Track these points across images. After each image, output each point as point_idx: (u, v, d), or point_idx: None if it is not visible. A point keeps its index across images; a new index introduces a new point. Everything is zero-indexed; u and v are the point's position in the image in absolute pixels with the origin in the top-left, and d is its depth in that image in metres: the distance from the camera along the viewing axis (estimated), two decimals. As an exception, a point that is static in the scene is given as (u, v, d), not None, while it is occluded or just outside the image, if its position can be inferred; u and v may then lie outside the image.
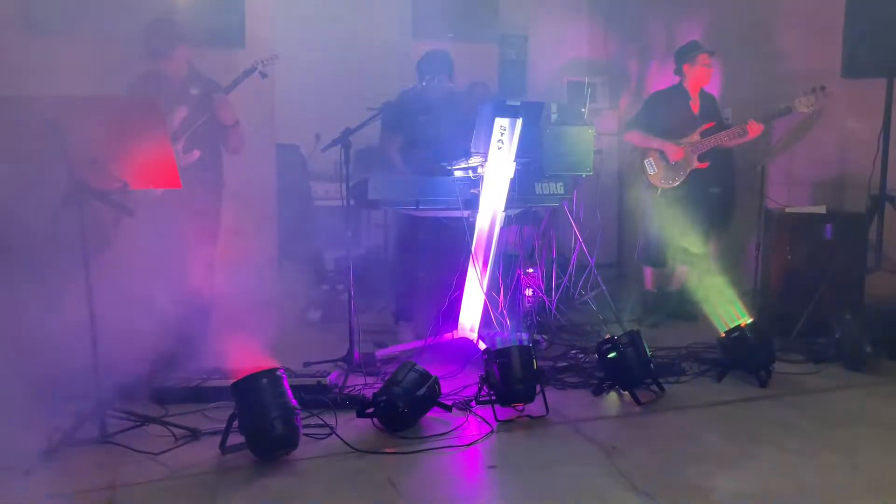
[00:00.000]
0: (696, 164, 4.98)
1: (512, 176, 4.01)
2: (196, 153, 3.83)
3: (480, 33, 6.81)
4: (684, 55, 5.09)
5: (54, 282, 4.16)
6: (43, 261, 4.05)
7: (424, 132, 4.58)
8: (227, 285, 4.44)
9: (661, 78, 6.05)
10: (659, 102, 5.24)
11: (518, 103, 3.91)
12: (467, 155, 4.00)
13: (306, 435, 3.09)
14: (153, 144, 3.13)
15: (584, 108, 5.94)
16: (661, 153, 5.04)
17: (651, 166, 5.09)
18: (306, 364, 4.05)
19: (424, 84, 4.49)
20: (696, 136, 4.98)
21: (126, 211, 3.13)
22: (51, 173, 3.04)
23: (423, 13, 6.54)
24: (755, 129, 4.79)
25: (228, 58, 4.30)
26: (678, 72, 5.12)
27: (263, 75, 3.97)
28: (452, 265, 4.31)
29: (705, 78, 5.07)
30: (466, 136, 4.36)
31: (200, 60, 4.18)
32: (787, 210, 4.96)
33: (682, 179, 5.02)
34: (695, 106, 5.10)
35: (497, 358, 3.41)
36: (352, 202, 4.15)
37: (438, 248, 4.64)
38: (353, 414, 3.31)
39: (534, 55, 7.10)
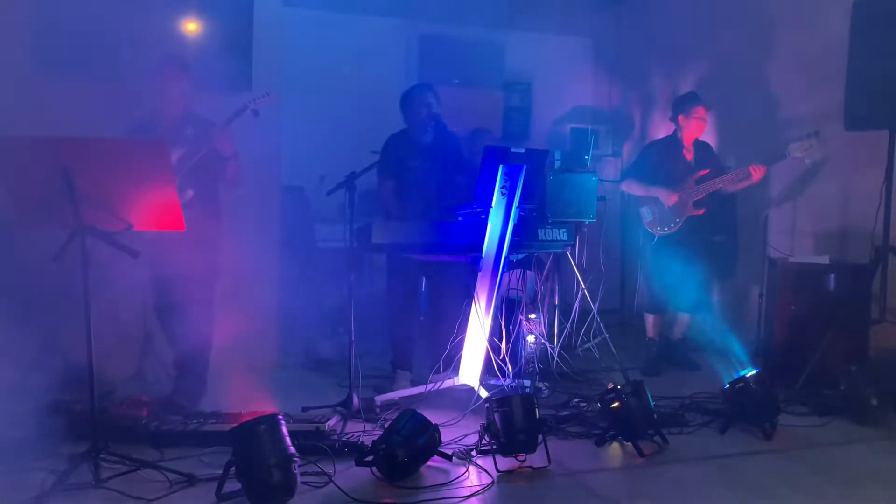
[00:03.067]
0: (691, 211, 4.99)
1: (515, 222, 4.02)
2: (189, 192, 3.83)
3: (485, 79, 6.90)
4: (680, 106, 5.16)
5: (54, 320, 4.15)
6: (44, 299, 4.05)
7: (415, 178, 4.58)
8: (227, 325, 4.42)
9: (664, 126, 6.11)
10: (653, 152, 5.30)
11: (523, 151, 3.94)
12: (471, 200, 4.01)
13: (304, 483, 3.03)
14: (159, 186, 3.14)
15: (588, 155, 5.98)
16: (657, 200, 5.07)
17: (647, 214, 5.11)
18: (305, 409, 4.00)
19: (433, 124, 4.51)
20: (691, 183, 5.01)
21: (131, 252, 3.11)
22: (56, 213, 3.04)
23: (430, 58, 6.63)
24: (759, 172, 4.80)
25: (234, 101, 4.33)
26: (674, 120, 5.18)
27: (255, 113, 3.98)
28: (453, 310, 4.30)
29: (699, 131, 5.12)
30: (463, 181, 4.38)
31: (206, 103, 4.21)
32: (791, 260, 4.96)
33: (678, 226, 5.03)
34: (689, 154, 5.14)
35: (499, 406, 3.37)
36: (355, 245, 4.14)
37: (439, 292, 4.64)
38: (352, 462, 3.26)
39: (538, 102, 7.18)
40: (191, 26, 4.70)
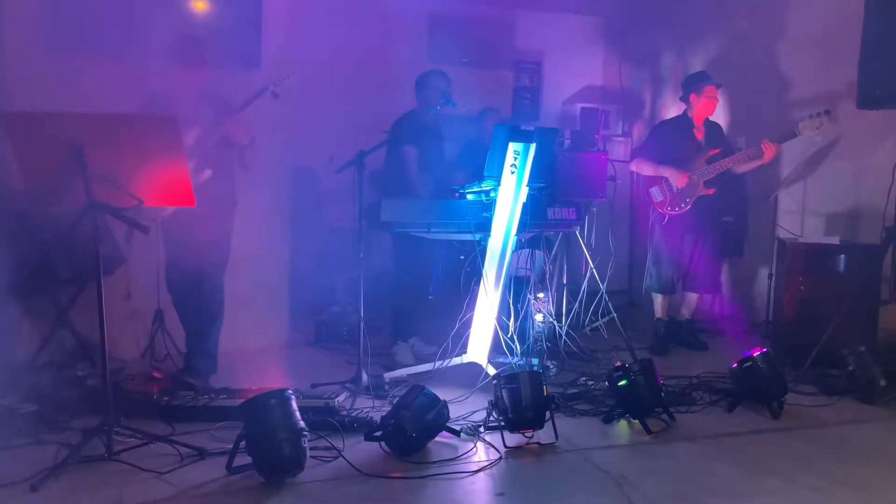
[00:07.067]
0: (702, 191, 4.98)
1: (525, 200, 4.01)
2: (207, 172, 3.83)
3: (495, 59, 6.85)
4: (691, 85, 5.12)
5: (66, 297, 4.19)
6: (56, 275, 4.09)
7: (428, 157, 4.58)
8: (238, 303, 4.45)
9: (675, 106, 6.07)
10: (664, 132, 5.27)
11: (532, 129, 3.93)
12: (480, 179, 4.01)
13: (313, 457, 3.06)
14: (169, 162, 3.15)
15: (598, 134, 5.94)
16: (667, 180, 5.05)
17: (657, 194, 5.09)
18: (314, 385, 4.03)
19: (439, 108, 4.54)
20: (701, 163, 4.98)
21: (141, 228, 3.13)
22: (68, 189, 3.05)
23: (439, 38, 6.58)
24: (770, 150, 4.77)
25: (245, 78, 4.34)
26: (684, 99, 5.14)
27: (275, 95, 3.98)
28: (461, 288, 4.32)
29: (709, 110, 5.09)
30: (472, 162, 4.39)
31: (217, 81, 4.21)
32: (801, 240, 4.94)
33: (689, 206, 5.01)
34: (699, 134, 5.11)
35: (507, 383, 3.39)
36: (364, 223, 4.15)
37: (447, 271, 4.66)
38: (361, 437, 3.29)
39: (547, 82, 7.13)
40: (200, 4, 4.69)
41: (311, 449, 3.03)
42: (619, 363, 3.77)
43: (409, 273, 4.65)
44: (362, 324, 4.08)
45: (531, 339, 4.57)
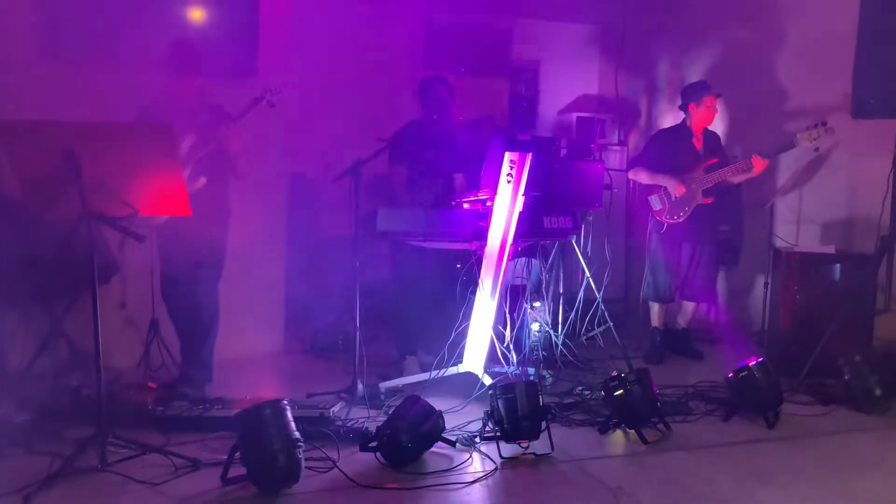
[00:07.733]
0: (700, 200, 4.98)
1: (521, 209, 4.01)
2: (202, 180, 3.83)
3: (491, 67, 6.86)
4: (691, 94, 5.12)
5: (61, 306, 4.18)
6: (51, 284, 4.07)
7: (429, 167, 4.60)
8: (233, 311, 4.44)
9: (671, 114, 6.09)
10: (662, 140, 5.27)
11: (528, 138, 3.94)
12: (477, 187, 4.01)
13: (308, 468, 3.05)
14: (165, 171, 3.14)
15: (594, 143, 5.95)
16: (666, 189, 5.05)
17: (656, 202, 5.10)
18: (309, 395, 4.02)
19: (436, 117, 4.54)
20: (699, 172, 4.99)
21: (137, 237, 3.12)
22: (63, 197, 3.04)
23: (435, 46, 6.59)
24: (760, 164, 4.79)
25: (241, 86, 4.33)
26: (683, 109, 5.15)
27: (271, 104, 3.98)
28: (458, 298, 4.31)
29: (708, 119, 5.09)
30: (473, 171, 4.39)
31: (213, 89, 4.20)
32: (796, 249, 4.96)
33: (687, 215, 5.02)
34: (698, 143, 5.12)
35: (503, 393, 3.38)
36: (361, 232, 4.14)
37: (444, 280, 4.65)
38: (356, 447, 3.28)
39: (544, 90, 7.14)
40: (196, 12, 4.68)
41: (306, 459, 3.01)
42: (615, 373, 3.77)
43: (406, 282, 4.64)
44: (358, 333, 4.07)
45: (527, 348, 4.56)
